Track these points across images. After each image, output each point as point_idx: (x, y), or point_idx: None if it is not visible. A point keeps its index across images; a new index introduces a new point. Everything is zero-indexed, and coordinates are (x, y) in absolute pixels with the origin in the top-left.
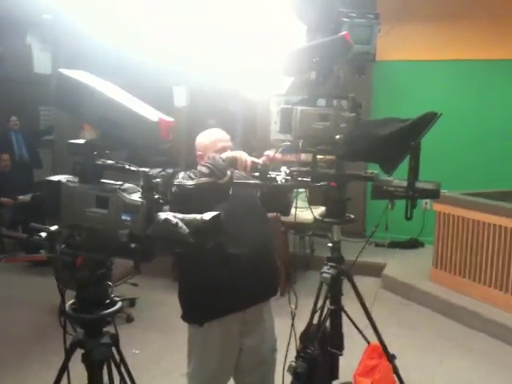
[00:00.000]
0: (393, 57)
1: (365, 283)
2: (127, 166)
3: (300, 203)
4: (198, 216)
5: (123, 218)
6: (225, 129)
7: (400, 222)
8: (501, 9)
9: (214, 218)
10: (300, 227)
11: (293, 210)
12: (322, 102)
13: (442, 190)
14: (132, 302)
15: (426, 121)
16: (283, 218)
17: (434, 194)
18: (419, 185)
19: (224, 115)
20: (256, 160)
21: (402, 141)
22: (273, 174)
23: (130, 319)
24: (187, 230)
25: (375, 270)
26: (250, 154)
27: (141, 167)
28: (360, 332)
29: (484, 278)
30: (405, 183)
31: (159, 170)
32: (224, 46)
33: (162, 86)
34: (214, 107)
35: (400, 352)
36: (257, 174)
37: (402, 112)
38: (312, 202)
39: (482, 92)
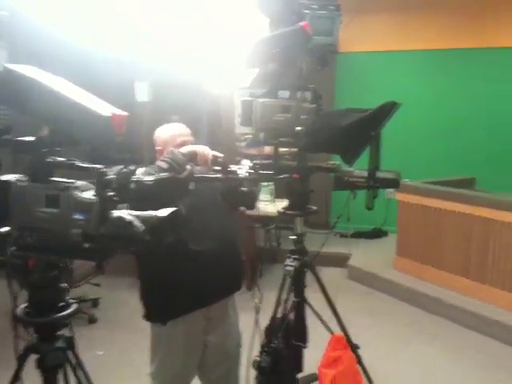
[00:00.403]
0: (355, 48)
1: (331, 274)
2: (78, 163)
3: (264, 196)
4: (154, 213)
5: (75, 216)
6: (189, 123)
7: (363, 212)
8: None
9: (171, 214)
10: (265, 220)
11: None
12: (286, 94)
13: (404, 180)
14: (95, 303)
15: (386, 110)
16: (248, 212)
17: (394, 184)
18: (380, 175)
19: (188, 110)
20: (217, 154)
21: (362, 131)
22: (234, 168)
23: (92, 320)
24: (143, 228)
25: (340, 261)
26: (216, 148)
27: (101, 164)
28: (323, 323)
29: (446, 264)
30: (365, 173)
31: (121, 167)
32: (188, 40)
33: (125, 81)
34: (178, 102)
35: (365, 341)
36: (218, 168)
37: (366, 103)
38: (277, 194)
39: (443, 81)
